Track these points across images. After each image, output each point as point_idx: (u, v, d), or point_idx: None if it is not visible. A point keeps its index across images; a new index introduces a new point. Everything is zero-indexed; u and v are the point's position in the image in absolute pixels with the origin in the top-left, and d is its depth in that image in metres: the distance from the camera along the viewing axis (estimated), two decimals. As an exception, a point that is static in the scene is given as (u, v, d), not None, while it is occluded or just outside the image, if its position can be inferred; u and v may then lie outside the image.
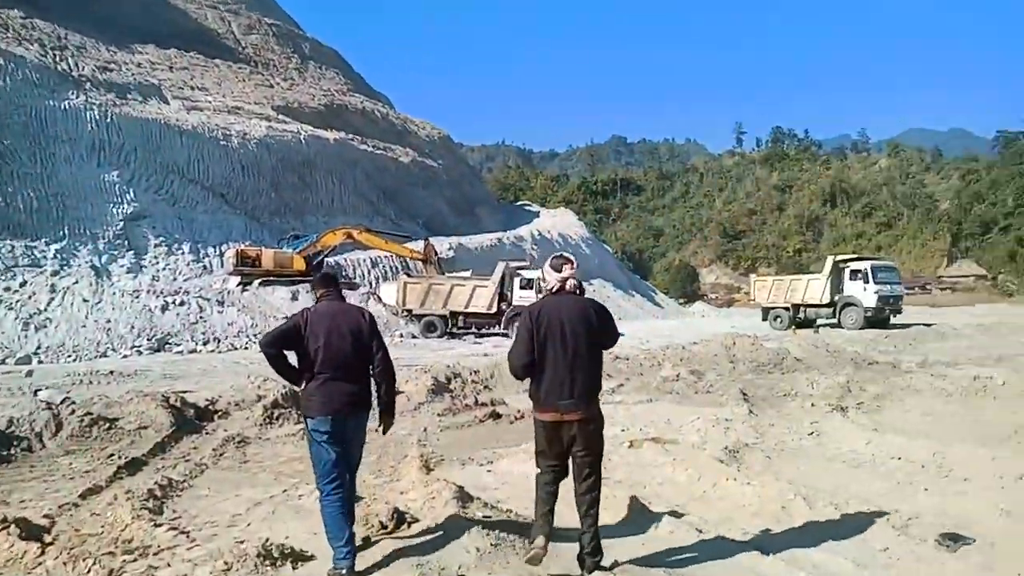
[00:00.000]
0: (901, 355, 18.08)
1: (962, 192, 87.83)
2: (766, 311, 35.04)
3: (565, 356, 4.34)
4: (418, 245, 36.49)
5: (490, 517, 5.21)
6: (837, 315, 31.97)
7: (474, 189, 74.42)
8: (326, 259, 34.79)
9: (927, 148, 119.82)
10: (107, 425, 9.65)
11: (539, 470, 4.58)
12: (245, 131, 44.25)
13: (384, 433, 4.97)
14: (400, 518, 5.22)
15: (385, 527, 5.07)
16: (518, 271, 31.29)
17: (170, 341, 24.15)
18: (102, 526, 5.86)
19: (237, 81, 52.74)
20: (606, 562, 4.45)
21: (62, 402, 9.82)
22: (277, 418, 10.83)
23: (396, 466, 7.89)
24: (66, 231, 32.76)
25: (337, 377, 4.49)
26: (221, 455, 8.74)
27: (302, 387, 4.69)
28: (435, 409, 11.57)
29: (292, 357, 4.69)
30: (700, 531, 5.15)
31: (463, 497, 5.41)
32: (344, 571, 4.35)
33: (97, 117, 36.49)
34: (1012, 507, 5.38)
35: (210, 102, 47.29)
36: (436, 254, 34.98)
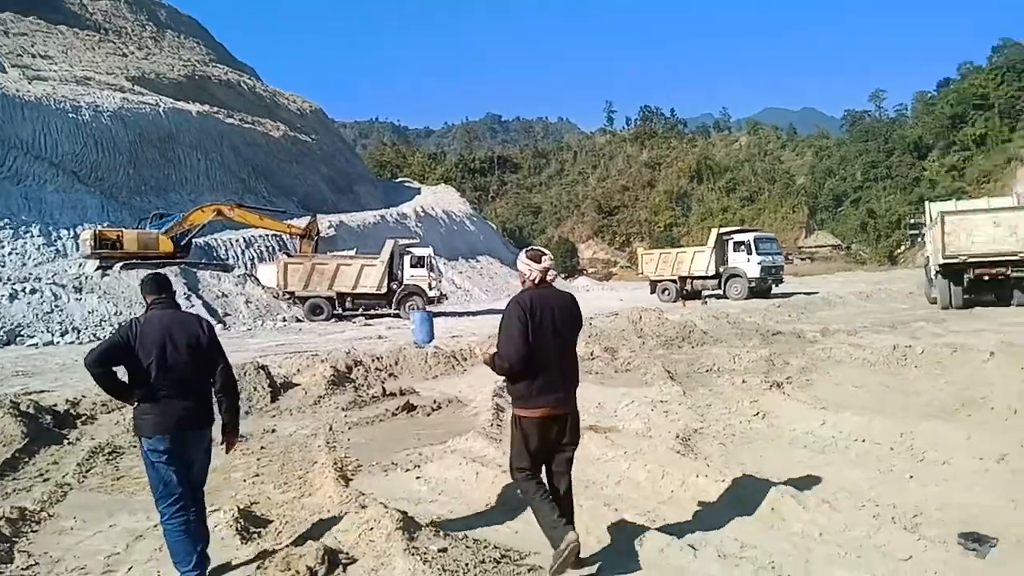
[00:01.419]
0: (799, 324, 18.21)
1: (815, 167, 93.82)
2: (654, 284, 35.35)
3: (557, 349, 4.29)
4: (300, 222, 34.45)
5: (446, 551, 4.23)
6: (723, 286, 32.58)
7: (351, 165, 72.01)
8: (194, 239, 32.34)
9: (782, 126, 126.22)
10: (-61, 442, 7.97)
11: (522, 475, 4.34)
12: (97, 103, 40.62)
13: (227, 452, 4.74)
14: (333, 560, 4.15)
15: (313, 573, 4.00)
16: (408, 248, 30.04)
17: (22, 333, 21.55)
18: (-73, 587, 4.51)
19: (85, 49, 48.40)
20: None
21: None
22: (154, 421, 9.37)
23: (304, 476, 6.77)
24: None
25: (173, 393, 4.16)
26: (88, 471, 7.32)
27: (135, 405, 4.27)
28: (338, 402, 10.40)
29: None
30: (694, 548, 4.39)
31: (408, 525, 4.40)
32: None
33: (-78, 86, 32.38)
34: (1018, 495, 4.91)
35: (55, 71, 43.18)
36: (318, 232, 33.11)
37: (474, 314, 30.98)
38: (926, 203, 26.76)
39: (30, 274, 27.05)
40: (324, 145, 65.75)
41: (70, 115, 38.45)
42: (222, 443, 4.57)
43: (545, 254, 4.49)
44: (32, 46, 45.04)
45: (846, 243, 79.58)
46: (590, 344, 14.20)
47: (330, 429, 8.78)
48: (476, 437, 7.55)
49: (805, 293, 31.81)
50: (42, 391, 12.19)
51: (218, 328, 24.56)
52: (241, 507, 5.59)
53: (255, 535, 5.18)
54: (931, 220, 22.31)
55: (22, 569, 4.69)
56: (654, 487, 5.78)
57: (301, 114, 67.28)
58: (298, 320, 28.16)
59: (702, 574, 4.15)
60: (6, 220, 32.39)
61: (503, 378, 4.61)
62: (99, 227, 30.25)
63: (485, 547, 4.49)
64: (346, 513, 5.15)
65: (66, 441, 8.65)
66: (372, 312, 29.10)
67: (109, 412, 10.15)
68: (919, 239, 29.55)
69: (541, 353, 4.21)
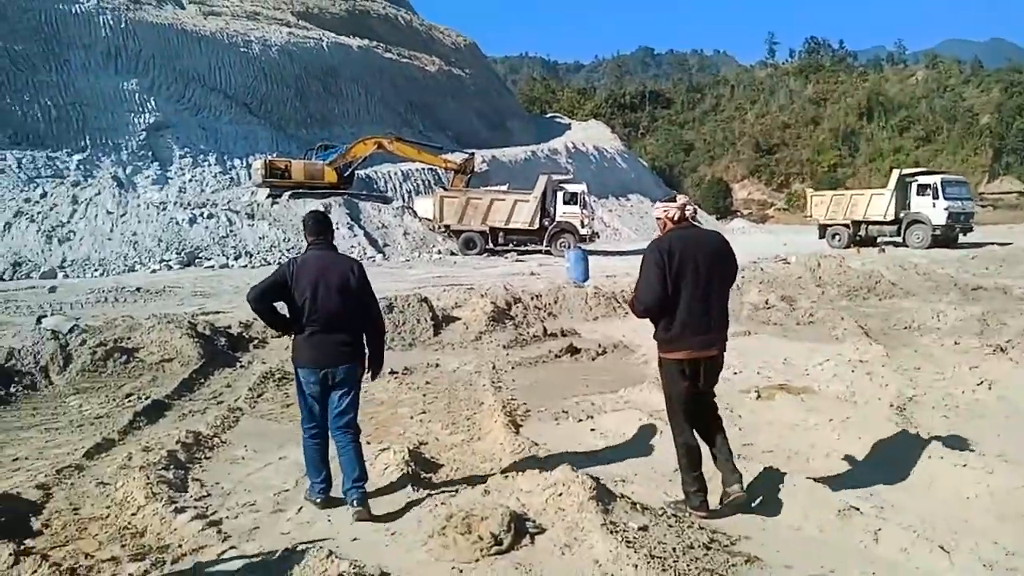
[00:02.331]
0: (1002, 279, 16.14)
1: (1004, 105, 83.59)
2: (823, 228, 32.82)
3: (700, 291, 4.11)
4: (455, 157, 34.46)
5: (647, 530, 3.67)
6: (902, 233, 29.80)
7: (503, 101, 71.57)
8: (356, 171, 33.08)
9: (965, 59, 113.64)
10: (124, 358, 8.26)
11: (675, 425, 4.34)
12: (265, 37, 42.00)
13: (372, 379, 4.86)
14: (520, 527, 3.69)
15: (498, 541, 3.55)
16: (561, 185, 29.27)
17: (200, 255, 22.87)
18: (108, 506, 4.45)
19: (254, -14, 49.91)
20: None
21: (71, 331, 8.40)
22: (320, 349, 9.38)
23: (472, 417, 6.41)
24: (87, 141, 31.38)
25: (325, 330, 4.35)
26: (259, 396, 7.32)
27: (292, 337, 4.52)
28: (499, 340, 10.05)
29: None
30: (947, 552, 3.60)
31: (602, 495, 3.86)
32: (319, 501, 4.47)
33: (111, 22, 34.48)
34: None
35: (227, 7, 44.87)
36: (473, 169, 32.95)
37: (625, 254, 30.02)
38: None
39: (207, 200, 28.62)
40: (478, 80, 65.54)
41: (242, 49, 40.02)
42: (367, 373, 4.64)
43: (679, 195, 4.45)
44: (206, -18, 47.14)
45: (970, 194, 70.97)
46: (764, 291, 13.13)
47: (493, 368, 8.43)
48: (653, 388, 6.91)
49: (998, 244, 28.59)
50: (217, 312, 12.65)
51: (378, 258, 25.29)
52: (411, 448, 5.29)
53: (426, 481, 4.84)
54: None
55: (195, 500, 4.56)
56: (871, 463, 4.96)
57: (456, 49, 67.26)
58: (452, 254, 28.34)
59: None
60: (187, 149, 34.35)
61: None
62: (269, 157, 31.49)
63: (689, 527, 3.90)
64: (522, 467, 4.70)
65: (239, 364, 8.80)
66: (523, 248, 28.81)
67: (280, 337, 10.27)
68: None
69: (682, 296, 4.08)
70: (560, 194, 28.58)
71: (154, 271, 21.04)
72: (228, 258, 23.02)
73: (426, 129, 50.64)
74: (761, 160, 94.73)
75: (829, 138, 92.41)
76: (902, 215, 29.86)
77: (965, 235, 29.73)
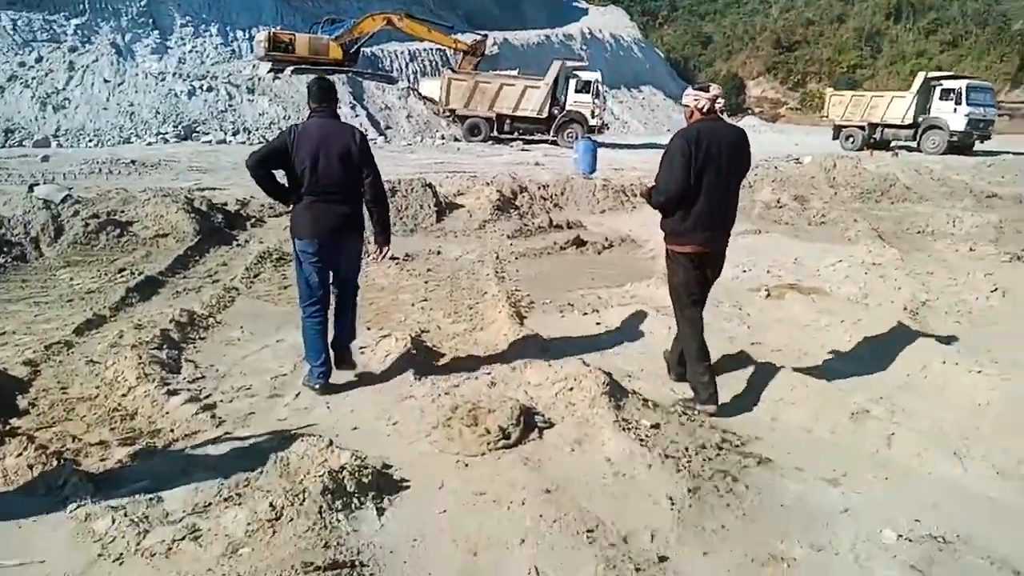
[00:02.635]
0: (1018, 188, 15.74)
1: None
2: (838, 129, 31.99)
3: (718, 187, 4.03)
4: (466, 38, 33.08)
5: (659, 427, 3.53)
6: (918, 138, 29.04)
7: (520, -26, 68.42)
8: (362, 48, 31.87)
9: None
10: (117, 231, 8.02)
11: (683, 318, 4.33)
12: None
13: (379, 261, 4.84)
14: (528, 421, 3.55)
15: (506, 435, 3.41)
16: (574, 72, 28.18)
17: (197, 129, 22.28)
18: (97, 386, 4.31)
19: None
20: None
21: (63, 201, 8.12)
22: (320, 231, 9.14)
23: (475, 307, 6.24)
24: (86, 5, 29.98)
25: (324, 199, 4.22)
26: (255, 276, 7.14)
27: (290, 207, 4.40)
28: (503, 229, 9.80)
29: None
30: (960, 458, 3.49)
31: (614, 391, 3.71)
32: (318, 387, 4.37)
33: None
34: None
35: None
36: (484, 52, 31.66)
37: (634, 147, 29.35)
38: None
39: (207, 72, 27.66)
40: (492, -48, 62.52)
41: (246, -90, 37.86)
42: (375, 255, 4.63)
43: (712, 85, 4.26)
44: None
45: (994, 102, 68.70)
46: (776, 190, 12.79)
47: (497, 257, 8.21)
48: (660, 284, 6.72)
49: (1013, 153, 27.91)
50: (214, 188, 12.34)
51: (379, 140, 24.68)
52: (412, 335, 5.13)
53: (427, 368, 4.70)
54: None
55: (188, 382, 4.42)
56: (884, 366, 4.81)
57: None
58: (456, 140, 27.66)
59: (982, 494, 3.26)
60: (188, 18, 32.95)
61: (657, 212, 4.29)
62: (274, 29, 30.26)
63: (700, 426, 3.77)
64: (526, 359, 4.53)
65: (235, 242, 8.58)
66: (529, 138, 28.05)
67: (278, 216, 10.02)
68: None
69: (703, 188, 4.00)
70: (573, 82, 27.56)
71: (150, 144, 20.54)
72: (226, 133, 22.44)
73: (436, 7, 48.53)
74: (780, 57, 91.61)
75: (852, 37, 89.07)
76: (920, 119, 29.02)
77: (982, 143, 28.98)
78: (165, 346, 4.89)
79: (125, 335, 5.19)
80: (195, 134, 21.94)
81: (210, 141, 21.38)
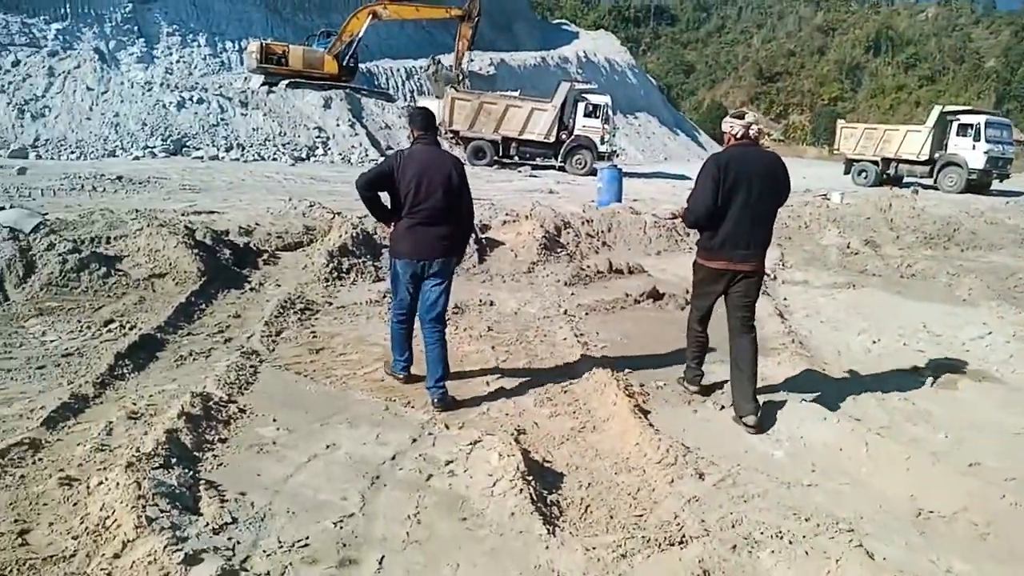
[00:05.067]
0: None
1: (1011, 49, 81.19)
2: (850, 163, 31.06)
3: (748, 209, 4.23)
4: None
5: None
6: (935, 175, 28.09)
7: (511, 1, 67.64)
8: (360, 63, 30.54)
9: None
10: (104, 269, 6.49)
11: (692, 322, 4.75)
12: (264, -93, 38.29)
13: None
14: None
15: None
16: (583, 95, 26.98)
17: (188, 144, 20.71)
18: (75, 535, 2.83)
19: None
20: None
21: (35, 229, 6.56)
22: (348, 271, 7.69)
23: (570, 389, 4.82)
24: (68, 9, 28.37)
25: (425, 222, 4.41)
26: (278, 334, 5.66)
27: (391, 228, 4.60)
28: (555, 273, 8.40)
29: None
30: None
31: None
32: (401, 376, 4.82)
33: None
34: None
35: None
36: (479, 13, 30.15)
37: (644, 175, 28.18)
38: None
39: (197, 84, 26.14)
40: (487, -27, 61.64)
41: (240, -79, 36.54)
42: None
43: (748, 112, 4.54)
44: None
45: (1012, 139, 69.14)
46: (843, 234, 11.52)
47: (565, 312, 6.81)
48: (797, 362, 5.37)
49: (1036, 193, 27.00)
50: (211, 212, 10.85)
51: (380, 160, 23.30)
52: (515, 441, 3.71)
53: (554, 506, 3.28)
54: None
55: (212, 531, 2.90)
56: None
57: (465, -60, 63.05)
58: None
59: None
60: (175, 27, 31.42)
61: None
62: (266, 41, 28.89)
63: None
64: (694, 498, 3.12)
65: (247, 285, 7.08)
66: (536, 163, 26.73)
67: (292, 250, 8.60)
68: None
69: (732, 210, 4.23)
70: (582, 105, 26.34)
71: (137, 158, 18.95)
72: (219, 149, 20.88)
73: (430, 25, 47.40)
74: (762, 88, 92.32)
75: (833, 70, 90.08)
76: (937, 155, 28.12)
77: (1001, 181, 28.12)
78: (173, 458, 3.41)
79: (116, 430, 3.75)
80: (185, 148, 20.37)
81: (202, 157, 19.82)
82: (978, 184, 27.07)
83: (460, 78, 29.51)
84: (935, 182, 28.01)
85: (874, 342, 6.19)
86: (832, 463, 3.86)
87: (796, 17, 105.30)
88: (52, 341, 5.18)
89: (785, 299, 7.76)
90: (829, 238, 11.23)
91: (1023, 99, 74.32)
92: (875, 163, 29.76)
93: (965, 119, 28.21)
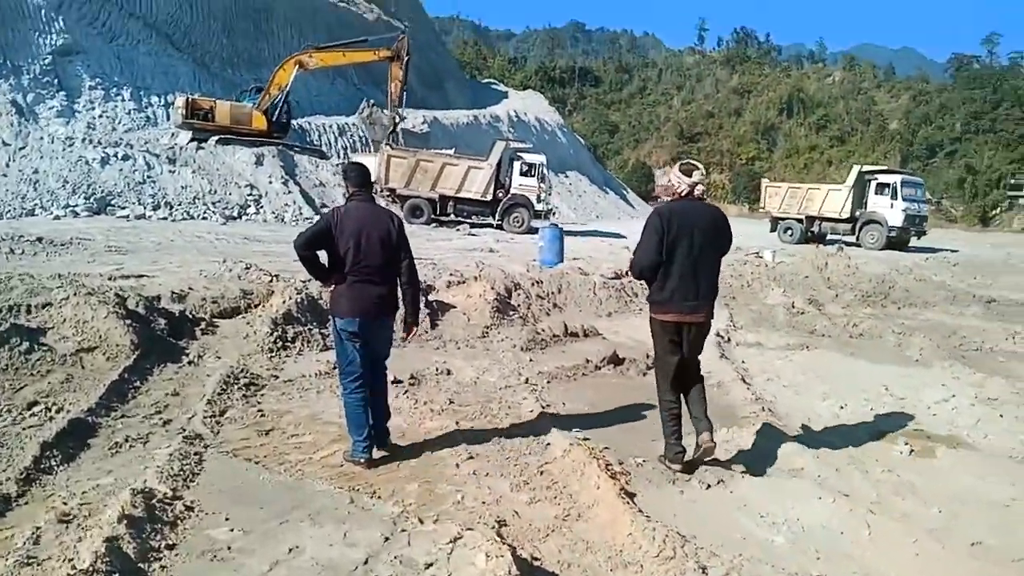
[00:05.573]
0: (1001, 290, 15.09)
1: (911, 112, 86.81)
2: (775, 221, 31.99)
3: (692, 261, 4.40)
4: (382, 50, 30.75)
5: None
6: (857, 232, 29.14)
7: (441, 60, 68.44)
8: (292, 120, 30.20)
9: (879, 64, 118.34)
10: (26, 344, 5.92)
11: (661, 380, 4.70)
12: (193, -36, 38.05)
13: (406, 341, 5.22)
14: None
15: None
16: (519, 154, 27.18)
17: (112, 202, 19.81)
18: None
19: (184, -95, 45.45)
20: None
21: (-51, 301, 5.98)
22: (293, 340, 7.27)
23: (547, 470, 4.53)
24: (-17, 59, 27.38)
25: (366, 280, 4.41)
26: (222, 414, 5.23)
27: (331, 288, 4.59)
28: (510, 337, 8.14)
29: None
30: None
31: None
32: (363, 460, 4.47)
33: (18, -76, 30.16)
34: None
35: (152, -75, 40.51)
36: (408, 52, 30.04)
37: (585, 234, 28.35)
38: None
39: (121, 140, 25.27)
40: (416, 35, 61.99)
41: (166, -27, 36.11)
42: (403, 336, 4.88)
43: (697, 168, 4.56)
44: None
45: (935, 197, 72.99)
46: (786, 293, 11.64)
47: (526, 381, 6.54)
48: (772, 433, 5.21)
49: (949, 250, 28.21)
50: (140, 276, 10.22)
51: (315, 218, 22.78)
52: (498, 537, 3.39)
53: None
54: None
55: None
56: None
57: (395, -1, 63.74)
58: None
59: None
60: (98, 80, 30.57)
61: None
62: (192, 96, 28.31)
63: None
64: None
65: (185, 358, 6.57)
66: (473, 221, 26.63)
67: (230, 316, 8.12)
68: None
69: (676, 263, 4.38)
70: (517, 164, 26.50)
71: (58, 217, 17.97)
72: (145, 207, 20.03)
73: (360, 82, 47.53)
74: (684, 147, 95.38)
75: (750, 131, 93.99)
76: (858, 213, 29.24)
77: (919, 238, 29.32)
78: (116, 575, 2.98)
79: (44, 538, 3.30)
80: (110, 207, 19.46)
81: (127, 216, 18.95)
82: (898, 241, 28.15)
83: (396, 120, 29.44)
84: (857, 239, 28.98)
85: (841, 407, 6.11)
86: (836, 548, 3.66)
87: (714, 79, 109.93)
88: (-34, 430, 4.63)
89: (743, 362, 7.67)
90: (773, 298, 11.33)
91: (924, 159, 78.78)
92: (799, 221, 30.71)
93: (882, 178, 29.49)
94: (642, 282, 4.85)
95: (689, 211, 4.44)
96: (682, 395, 4.65)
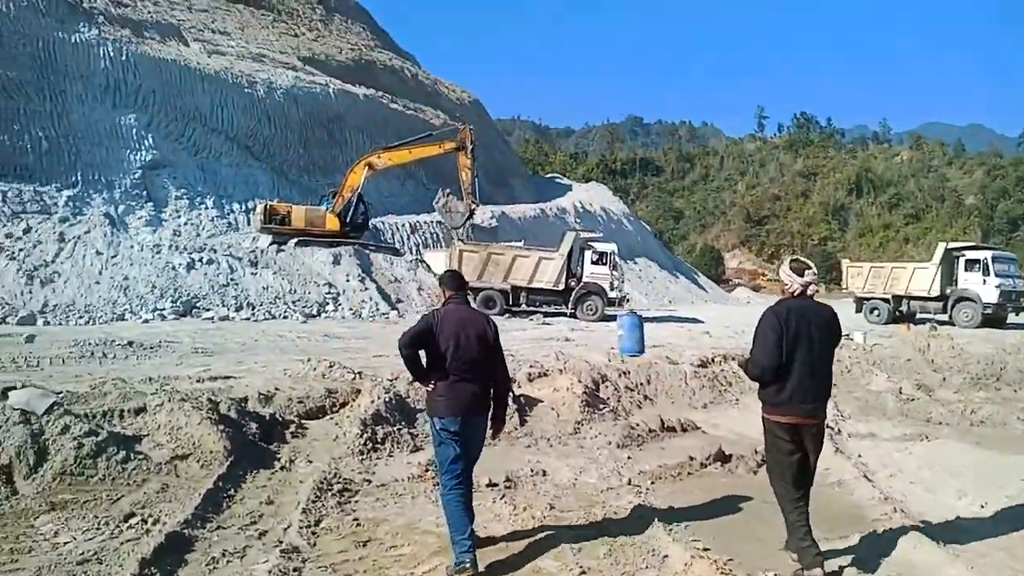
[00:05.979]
0: None
1: (987, 187, 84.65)
2: (860, 301, 30.91)
3: (811, 361, 4.31)
4: (448, 143, 31.25)
5: None
6: (949, 311, 27.88)
7: (505, 158, 70.17)
8: (369, 219, 31.10)
9: (947, 142, 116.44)
10: (122, 453, 5.87)
11: (778, 483, 4.51)
12: (271, 80, 40.26)
13: (494, 439, 5.05)
14: None
15: None
16: (589, 243, 27.22)
17: (197, 305, 20.43)
18: None
19: (260, 28, 48.50)
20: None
21: (48, 411, 5.98)
22: (383, 441, 7.07)
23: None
24: (79, 177, 29.10)
25: (464, 379, 4.50)
26: (318, 524, 5.01)
27: (430, 387, 4.59)
28: (603, 433, 7.78)
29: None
30: None
31: None
32: (468, 565, 4.25)
33: (112, 54, 32.51)
34: None
35: (232, 47, 43.20)
36: (474, 142, 30.35)
37: (655, 320, 27.88)
38: None
39: (205, 245, 26.32)
40: (481, 136, 63.90)
41: (246, 90, 38.20)
42: (489, 432, 4.75)
43: (809, 267, 4.51)
44: (212, 22, 45.34)
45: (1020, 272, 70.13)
46: (890, 376, 10.99)
47: (627, 481, 6.15)
48: (929, 547, 4.69)
49: (1051, 326, 26.65)
50: (227, 376, 10.28)
51: (392, 315, 23.02)
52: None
53: None
54: None
55: None
56: None
57: (460, 104, 65.86)
58: (471, 313, 26.01)
59: None
60: (184, 190, 32.14)
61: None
62: (270, 202, 29.56)
63: None
64: None
65: (276, 463, 6.43)
66: (547, 311, 26.54)
67: (316, 417, 8.00)
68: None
69: (795, 364, 4.28)
70: (588, 253, 26.53)
71: (146, 321, 18.59)
72: (229, 309, 20.60)
73: (429, 182, 48.70)
74: (751, 230, 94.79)
75: (819, 212, 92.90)
76: (948, 291, 28.07)
77: (1017, 314, 27.91)
78: None
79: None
80: (195, 310, 20.07)
81: (212, 318, 19.47)
82: (994, 318, 26.86)
83: (472, 208, 29.86)
84: (950, 317, 27.74)
85: (981, 506, 5.54)
86: None
87: (777, 164, 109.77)
88: (65, 544, 4.53)
89: (860, 456, 7.12)
90: (878, 383, 10.68)
91: (1006, 233, 76.39)
92: (886, 300, 29.62)
93: (971, 255, 28.43)
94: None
95: (805, 308, 4.40)
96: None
